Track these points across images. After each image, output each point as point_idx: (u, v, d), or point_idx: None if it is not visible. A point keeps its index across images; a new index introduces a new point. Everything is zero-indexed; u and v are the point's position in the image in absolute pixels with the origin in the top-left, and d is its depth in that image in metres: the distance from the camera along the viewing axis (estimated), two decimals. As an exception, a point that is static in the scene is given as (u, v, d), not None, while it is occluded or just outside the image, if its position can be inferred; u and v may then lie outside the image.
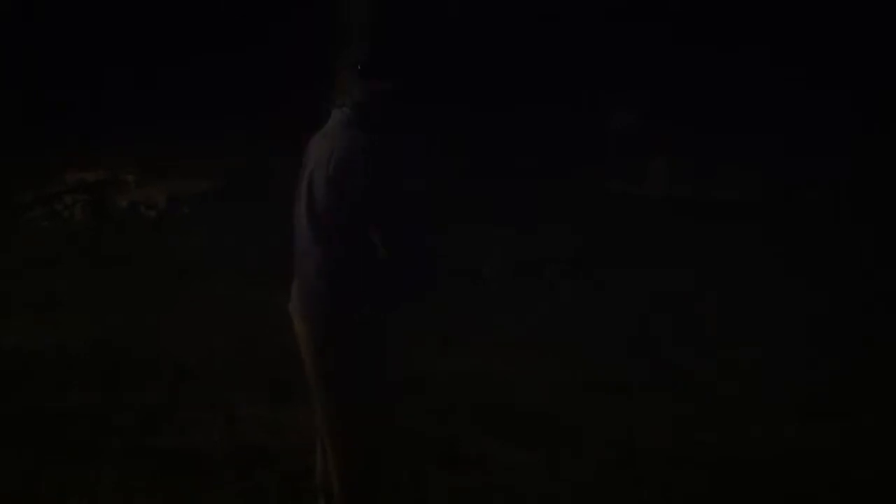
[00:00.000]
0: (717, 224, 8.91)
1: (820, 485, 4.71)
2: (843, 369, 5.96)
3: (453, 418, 5.22)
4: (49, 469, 4.66)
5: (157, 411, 5.23)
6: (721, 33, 10.77)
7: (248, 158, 10.21)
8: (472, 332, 6.43)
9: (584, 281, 7.59)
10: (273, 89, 10.89)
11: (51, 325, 6.44)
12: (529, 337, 6.41)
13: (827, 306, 6.94)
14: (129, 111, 11.42)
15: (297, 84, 8.77)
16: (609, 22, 10.92)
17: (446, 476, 4.69)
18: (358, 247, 3.55)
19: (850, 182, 9.50)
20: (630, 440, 5.04)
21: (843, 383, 5.78)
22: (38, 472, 4.63)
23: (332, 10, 4.10)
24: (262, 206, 7.89)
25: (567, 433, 5.13)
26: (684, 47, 10.84)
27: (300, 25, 10.93)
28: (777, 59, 10.57)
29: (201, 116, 11.25)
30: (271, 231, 4.00)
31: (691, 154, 10.25)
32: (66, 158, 10.58)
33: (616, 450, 4.93)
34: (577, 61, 10.78)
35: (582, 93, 10.78)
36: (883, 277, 7.57)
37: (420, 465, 4.70)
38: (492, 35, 10.86)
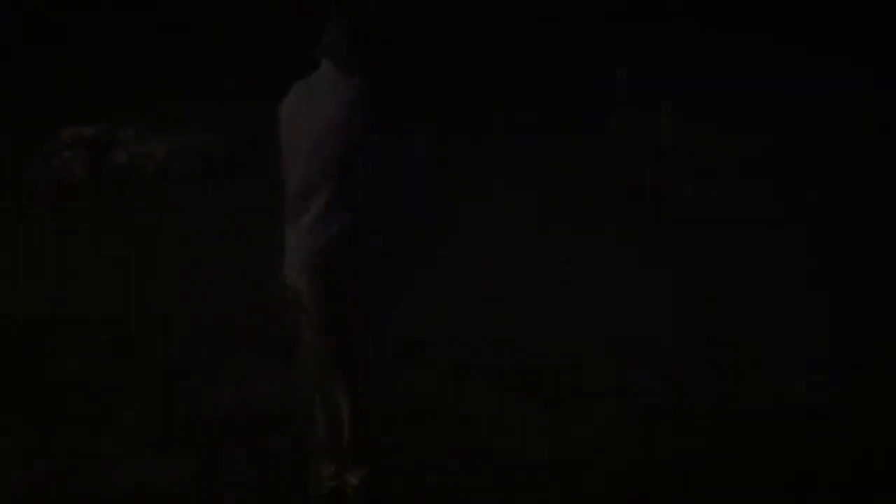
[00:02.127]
0: (713, 223, 8.92)
1: (814, 467, 4.72)
2: (842, 362, 5.97)
3: (459, 376, 5.25)
4: (60, 434, 4.67)
5: (169, 376, 5.26)
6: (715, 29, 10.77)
7: (252, 109, 10.15)
8: (461, 311, 6.44)
9: (578, 259, 7.62)
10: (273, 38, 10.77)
11: (53, 290, 6.45)
12: (521, 315, 6.42)
13: (826, 302, 6.95)
14: (129, 64, 11.35)
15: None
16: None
17: (451, 434, 4.70)
18: (356, 208, 3.58)
19: (851, 181, 9.50)
20: (623, 422, 5.06)
21: (840, 376, 5.79)
22: (50, 438, 4.64)
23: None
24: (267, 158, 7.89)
25: (575, 392, 5.16)
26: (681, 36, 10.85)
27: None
28: (772, 50, 10.56)
29: (203, 67, 11.17)
30: (276, 185, 4.04)
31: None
32: (64, 113, 10.55)
33: (610, 431, 4.95)
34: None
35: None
36: (885, 277, 7.56)
37: (410, 444, 4.70)
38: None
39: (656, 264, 7.63)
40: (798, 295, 7.14)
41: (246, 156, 9.33)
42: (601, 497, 4.55)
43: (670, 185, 10.02)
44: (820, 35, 10.66)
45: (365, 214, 3.63)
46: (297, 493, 4.31)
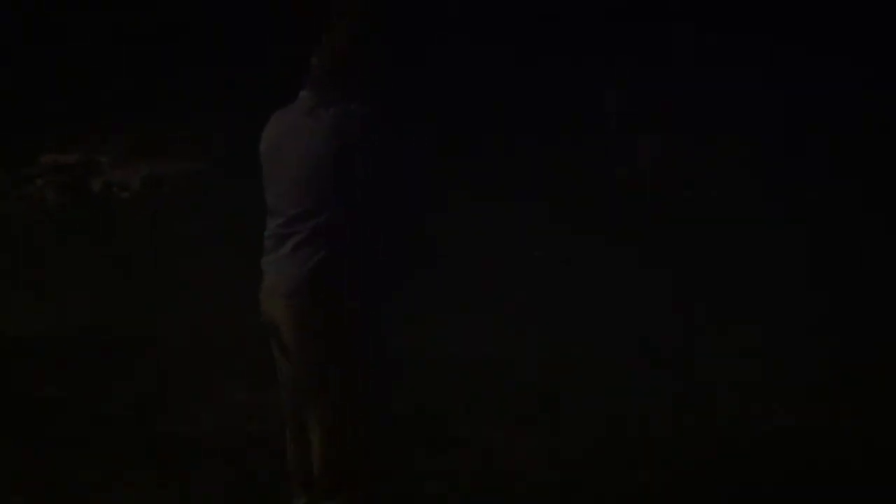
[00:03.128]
0: (713, 223, 8.93)
1: (825, 466, 4.71)
2: (842, 363, 5.97)
3: (446, 400, 5.24)
4: (38, 457, 4.65)
5: (146, 397, 5.25)
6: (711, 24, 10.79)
7: (231, 135, 10.22)
8: (461, 312, 6.47)
9: (584, 263, 7.63)
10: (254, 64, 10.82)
11: (36, 311, 6.46)
12: (521, 315, 6.45)
13: (826, 302, 6.95)
14: (109, 93, 11.38)
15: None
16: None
17: (437, 458, 4.69)
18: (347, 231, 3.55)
19: (852, 181, 9.51)
20: (626, 422, 5.04)
21: (840, 376, 5.79)
22: (27, 460, 4.62)
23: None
24: (245, 185, 7.96)
25: (563, 414, 5.14)
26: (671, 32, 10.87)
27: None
28: (772, 50, 10.57)
29: (183, 96, 11.21)
30: (253, 210, 4.02)
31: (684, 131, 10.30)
32: (42, 141, 10.60)
33: (612, 432, 4.94)
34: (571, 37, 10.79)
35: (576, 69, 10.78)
36: (884, 274, 7.57)
37: (411, 448, 4.71)
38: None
39: (656, 264, 7.61)
40: (798, 295, 7.15)
41: (225, 177, 9.39)
42: (597, 478, 4.55)
43: (670, 185, 10.05)
44: (820, 35, 10.65)
45: (359, 231, 3.58)
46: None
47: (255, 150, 3.86)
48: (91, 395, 5.33)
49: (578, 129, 10.58)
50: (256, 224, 4.17)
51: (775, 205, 9.36)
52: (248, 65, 11.09)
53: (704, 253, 7.88)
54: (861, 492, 4.60)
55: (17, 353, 5.85)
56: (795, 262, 7.85)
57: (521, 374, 5.63)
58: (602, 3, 11.00)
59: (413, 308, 6.05)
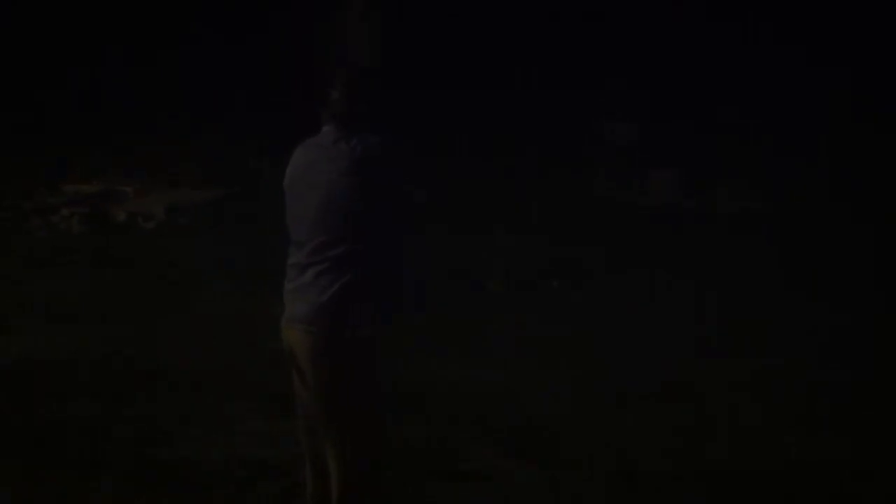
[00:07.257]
0: (720, 233, 8.94)
1: (823, 499, 4.72)
2: (848, 380, 5.97)
3: (454, 431, 5.25)
4: (46, 481, 4.68)
5: (156, 423, 5.30)
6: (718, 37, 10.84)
7: (246, 165, 10.32)
8: (473, 343, 6.50)
9: (587, 290, 7.68)
10: (268, 93, 10.95)
11: (49, 336, 6.56)
12: (531, 347, 6.46)
13: (831, 315, 7.00)
14: (126, 121, 11.50)
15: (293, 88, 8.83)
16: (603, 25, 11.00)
17: (445, 490, 4.71)
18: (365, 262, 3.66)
19: (852, 191, 9.51)
20: (633, 455, 5.02)
21: (847, 394, 5.78)
22: (36, 484, 4.67)
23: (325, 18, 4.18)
24: (260, 213, 8.02)
25: (569, 447, 5.13)
26: (681, 53, 10.91)
27: (295, 28, 11.01)
28: (775, 65, 10.61)
29: (198, 124, 11.32)
30: (268, 239, 4.02)
31: (692, 164, 10.31)
32: (64, 170, 10.70)
33: (618, 465, 4.93)
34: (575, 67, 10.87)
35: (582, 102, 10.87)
36: (888, 285, 7.58)
37: (419, 479, 4.74)
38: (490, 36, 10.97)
39: (668, 295, 7.56)
40: (802, 304, 7.19)
41: (242, 205, 9.48)
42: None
43: (671, 195, 10.09)
44: (817, 40, 10.63)
45: (378, 259, 3.68)
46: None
47: (261, 177, 3.90)
48: (102, 420, 5.35)
49: (586, 161, 10.63)
50: (271, 254, 4.23)
51: (777, 214, 9.41)
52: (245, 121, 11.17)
53: (717, 283, 7.80)
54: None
55: (33, 378, 5.88)
56: (798, 270, 7.90)
57: (530, 405, 5.62)
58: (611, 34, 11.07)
59: (424, 339, 6.13)
